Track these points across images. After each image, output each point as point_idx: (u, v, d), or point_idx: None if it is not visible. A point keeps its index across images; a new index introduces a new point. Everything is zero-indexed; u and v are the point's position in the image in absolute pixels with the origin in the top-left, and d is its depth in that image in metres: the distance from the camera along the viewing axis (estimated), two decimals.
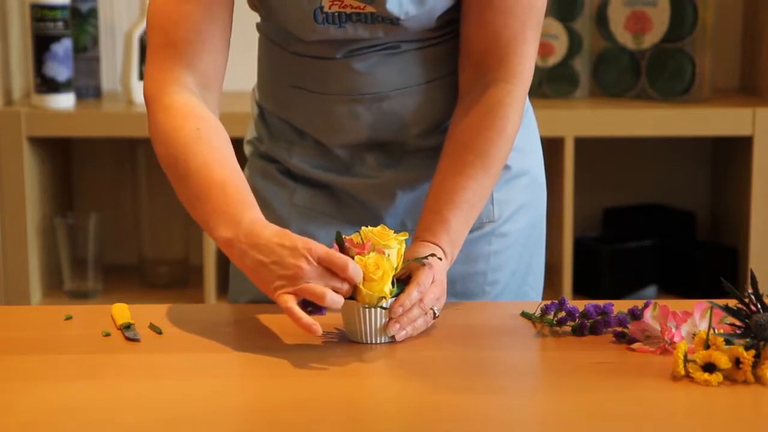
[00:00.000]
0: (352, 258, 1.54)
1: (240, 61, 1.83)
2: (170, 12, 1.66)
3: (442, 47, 1.74)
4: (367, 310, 1.55)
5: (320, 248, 1.51)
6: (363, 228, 1.57)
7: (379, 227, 1.57)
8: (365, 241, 1.55)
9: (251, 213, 1.57)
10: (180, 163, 1.61)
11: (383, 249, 1.55)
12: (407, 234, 1.58)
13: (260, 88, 1.84)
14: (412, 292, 1.55)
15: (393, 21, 1.66)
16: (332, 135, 1.76)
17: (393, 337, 1.56)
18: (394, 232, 1.57)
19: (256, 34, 1.83)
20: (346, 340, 1.57)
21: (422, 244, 1.64)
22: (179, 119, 1.63)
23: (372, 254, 1.54)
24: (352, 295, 1.54)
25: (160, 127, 1.64)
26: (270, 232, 1.54)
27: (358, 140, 1.76)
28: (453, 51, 1.73)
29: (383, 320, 1.56)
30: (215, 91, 1.69)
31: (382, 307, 1.55)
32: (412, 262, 1.59)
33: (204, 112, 1.65)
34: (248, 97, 1.92)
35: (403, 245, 1.57)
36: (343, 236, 1.57)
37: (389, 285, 1.55)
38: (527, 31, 1.69)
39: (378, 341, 1.56)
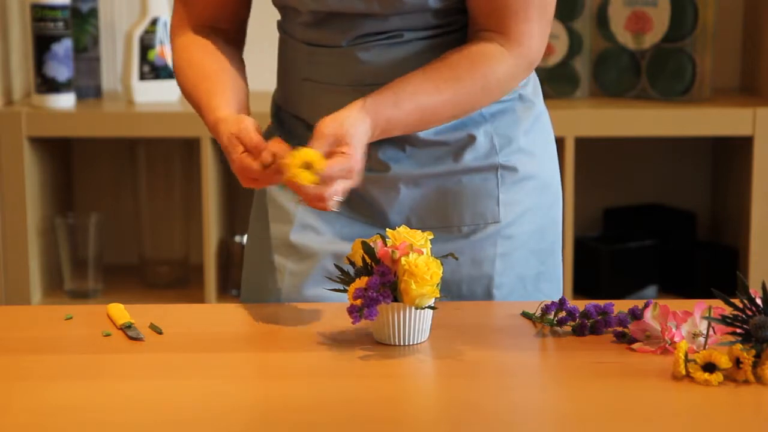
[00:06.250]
0: (397, 260, 1.52)
1: (262, 61, 1.86)
2: None
3: (446, 39, 1.75)
4: (411, 311, 1.53)
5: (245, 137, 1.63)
6: (388, 230, 1.56)
7: (402, 227, 1.56)
8: (399, 242, 1.54)
9: (215, 105, 1.71)
10: (177, 70, 1.82)
11: (420, 249, 1.53)
12: (432, 233, 1.58)
13: (277, 85, 1.89)
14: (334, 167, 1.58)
15: None
16: None
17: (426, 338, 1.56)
18: (414, 230, 1.56)
19: (278, 39, 1.86)
20: (342, 340, 1.57)
21: (356, 106, 1.65)
22: (181, 50, 1.83)
23: (415, 255, 1.52)
24: (396, 297, 1.53)
25: (173, 62, 1.85)
26: (222, 130, 1.66)
27: None
28: (457, 44, 1.74)
29: (425, 321, 1.55)
30: (231, 32, 1.85)
31: (431, 307, 1.54)
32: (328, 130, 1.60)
33: (203, 41, 1.81)
34: (269, 98, 1.94)
35: (429, 243, 1.57)
36: (367, 240, 1.55)
37: (439, 284, 1.53)
38: (529, 10, 1.70)
39: (414, 342, 1.55)
